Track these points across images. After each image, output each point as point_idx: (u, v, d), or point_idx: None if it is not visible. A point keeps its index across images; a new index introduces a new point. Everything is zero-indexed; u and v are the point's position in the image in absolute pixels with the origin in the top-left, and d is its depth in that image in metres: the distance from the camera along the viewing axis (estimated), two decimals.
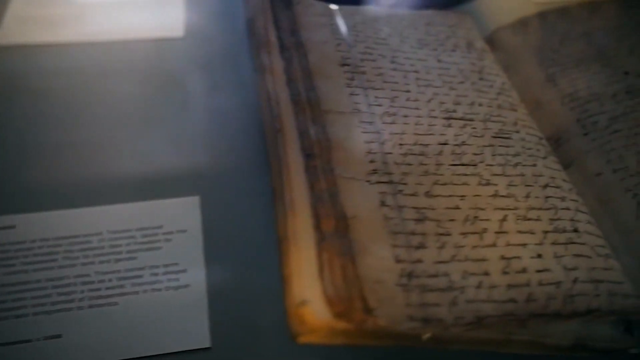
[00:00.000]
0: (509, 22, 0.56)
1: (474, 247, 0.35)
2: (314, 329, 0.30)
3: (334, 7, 0.50)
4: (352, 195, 0.36)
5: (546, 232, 0.37)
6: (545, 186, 0.40)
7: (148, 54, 0.59)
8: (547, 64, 0.51)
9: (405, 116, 0.42)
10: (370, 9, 0.52)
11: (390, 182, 0.38)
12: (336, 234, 0.34)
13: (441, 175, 0.39)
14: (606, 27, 0.53)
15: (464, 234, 0.36)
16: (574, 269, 0.35)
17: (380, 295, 0.32)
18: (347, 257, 0.33)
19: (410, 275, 0.33)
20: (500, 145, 0.42)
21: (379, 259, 0.33)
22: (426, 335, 0.31)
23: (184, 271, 0.42)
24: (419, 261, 0.34)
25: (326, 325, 0.30)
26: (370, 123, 0.41)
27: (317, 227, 0.34)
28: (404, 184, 0.38)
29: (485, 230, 0.36)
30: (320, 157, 0.37)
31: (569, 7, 0.55)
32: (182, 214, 0.45)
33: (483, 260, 0.35)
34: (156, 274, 0.41)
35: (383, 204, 0.36)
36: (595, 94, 0.48)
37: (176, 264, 0.42)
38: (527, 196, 0.39)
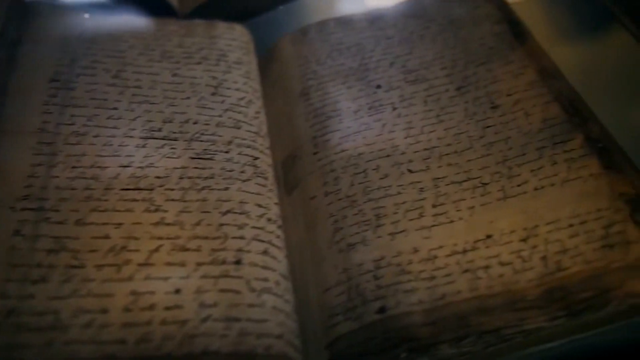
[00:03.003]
0: (292, 31, 0.53)
1: (105, 280, 0.33)
2: None
3: (83, 17, 0.48)
4: None
5: (200, 264, 0.35)
6: (226, 212, 0.37)
7: None
8: (307, 77, 0.48)
9: (96, 136, 0.40)
10: (129, 18, 0.49)
11: (39, 209, 0.35)
12: None
13: (106, 200, 0.36)
14: (378, 38, 0.50)
15: (100, 266, 0.34)
16: (212, 305, 0.33)
17: None
18: None
19: (10, 312, 0.31)
20: (195, 167, 0.39)
21: None
22: None
23: None
24: (31, 297, 0.32)
25: None
26: (50, 144, 0.39)
27: None
28: (57, 210, 0.35)
29: (128, 261, 0.34)
30: None
31: (351, 16, 0.52)
32: None
33: (108, 295, 0.32)
34: None
35: (17, 233, 0.34)
36: (339, 109, 0.45)
37: None
38: (198, 224, 0.36)
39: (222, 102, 0.44)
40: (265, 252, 0.36)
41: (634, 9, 0.52)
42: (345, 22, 0.52)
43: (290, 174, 0.43)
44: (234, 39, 0.50)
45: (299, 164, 0.43)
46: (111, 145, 0.39)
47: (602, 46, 0.54)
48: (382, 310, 0.34)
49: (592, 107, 0.43)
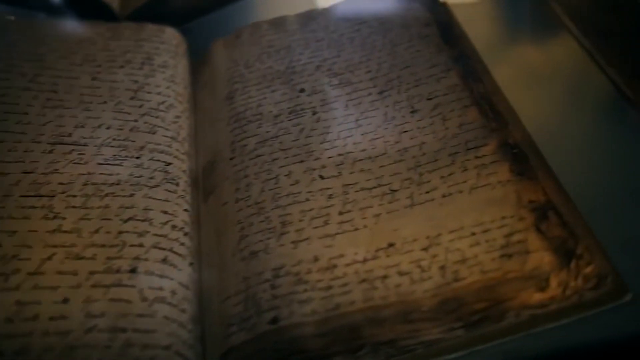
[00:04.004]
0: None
1: None
2: None
3: (7, 20, 0.48)
4: None
5: (93, 272, 0.34)
6: (127, 220, 0.37)
7: None
8: (234, 80, 0.47)
9: (1, 142, 0.39)
10: (56, 21, 0.49)
11: None
12: None
13: (2, 208, 0.36)
14: (308, 40, 0.49)
15: None
16: (99, 315, 0.32)
17: None
18: None
19: None
20: (101, 174, 0.39)
21: None
22: None
23: None
24: None
25: None
26: None
27: None
28: None
29: (17, 270, 0.33)
30: None
31: (284, 18, 0.51)
32: None
33: None
34: None
35: None
36: (260, 113, 0.44)
37: None
38: (96, 232, 0.36)
39: (140, 106, 0.43)
40: (164, 260, 0.35)
41: (579, 14, 0.51)
42: (277, 24, 0.51)
43: (208, 179, 0.42)
44: (162, 42, 0.49)
45: (217, 170, 0.42)
46: (16, 151, 0.39)
47: (547, 50, 0.53)
48: (274, 320, 0.33)
49: (525, 112, 0.42)
